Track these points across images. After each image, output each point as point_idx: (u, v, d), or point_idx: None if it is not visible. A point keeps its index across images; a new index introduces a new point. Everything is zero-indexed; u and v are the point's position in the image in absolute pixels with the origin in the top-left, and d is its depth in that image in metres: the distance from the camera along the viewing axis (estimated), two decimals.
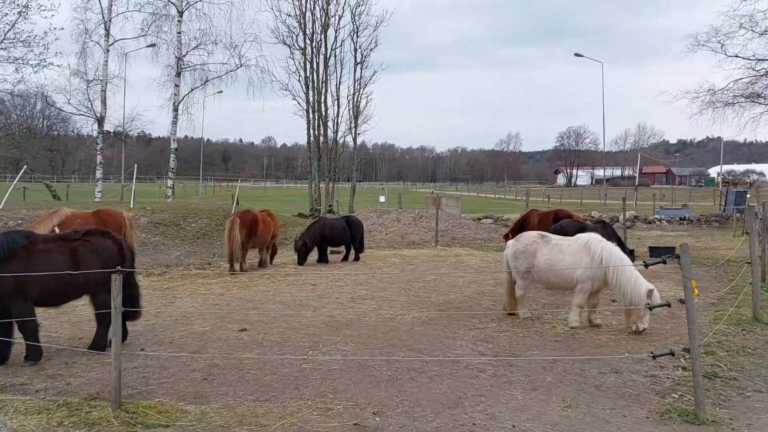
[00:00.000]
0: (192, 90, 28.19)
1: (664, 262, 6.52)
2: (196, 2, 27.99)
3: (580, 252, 8.78)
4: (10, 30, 27.68)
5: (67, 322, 8.57)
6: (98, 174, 27.82)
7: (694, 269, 14.12)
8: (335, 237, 15.06)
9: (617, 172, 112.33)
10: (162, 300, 10.21)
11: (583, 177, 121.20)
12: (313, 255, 15.15)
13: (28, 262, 6.26)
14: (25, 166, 21.66)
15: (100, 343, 6.91)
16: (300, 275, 13.26)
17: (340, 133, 31.83)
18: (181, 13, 27.54)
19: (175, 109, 27.71)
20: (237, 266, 13.22)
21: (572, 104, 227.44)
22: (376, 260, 16.28)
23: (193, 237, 18.03)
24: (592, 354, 7.35)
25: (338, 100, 31.73)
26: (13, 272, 6.10)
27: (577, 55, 60.53)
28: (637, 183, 66.36)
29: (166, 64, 28.87)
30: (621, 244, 12.99)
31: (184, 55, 27.64)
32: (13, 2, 27.16)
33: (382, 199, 38.97)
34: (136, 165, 21.92)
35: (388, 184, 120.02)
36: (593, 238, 8.87)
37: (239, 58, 27.99)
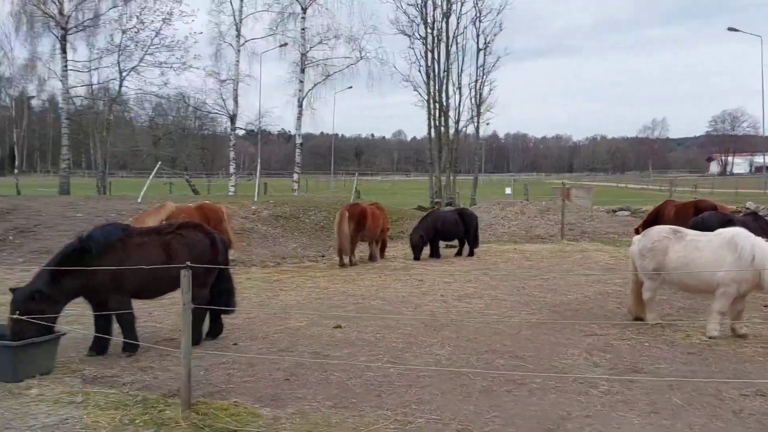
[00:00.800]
0: (315, 85, 28.89)
1: None
2: None
3: (722, 249, 7.49)
4: (155, 36, 30.05)
5: (175, 312, 8.81)
6: (231, 169, 29.36)
7: None
8: (447, 231, 14.47)
9: None
10: (268, 293, 10.26)
11: (740, 165, 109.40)
12: (426, 250, 14.69)
13: (123, 256, 6.37)
14: (159, 162, 23.31)
15: (195, 336, 6.91)
16: (408, 270, 12.85)
17: (461, 123, 31.04)
18: (304, 10, 28.25)
19: (300, 105, 28.54)
20: (346, 259, 13.09)
21: (726, 86, 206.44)
22: (493, 255, 15.47)
23: (312, 229, 18.28)
24: (732, 371, 6.19)
25: (460, 89, 30.99)
26: (109, 265, 6.22)
27: (731, 29, 54.47)
28: None
29: (291, 60, 29.85)
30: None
31: (308, 51, 28.36)
32: (158, 10, 29.44)
33: (508, 190, 37.63)
34: (259, 160, 22.74)
35: (521, 176, 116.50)
36: (739, 233, 7.54)
37: (359, 51, 28.15)
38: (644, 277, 8.21)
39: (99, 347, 6.49)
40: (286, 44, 30.23)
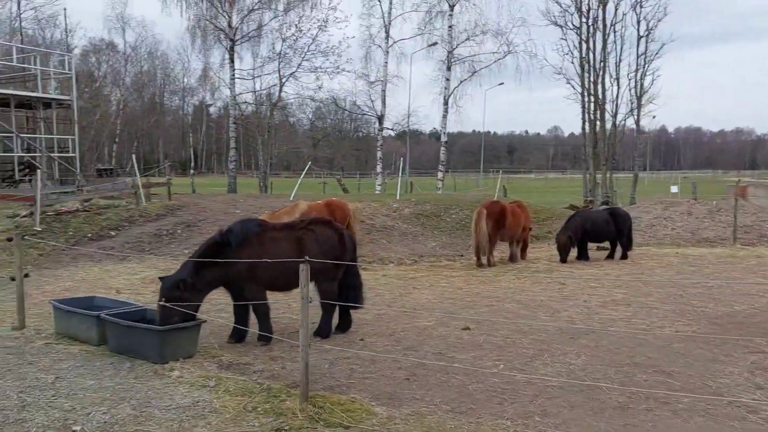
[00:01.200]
0: (461, 83, 28.62)
1: None
2: None
3: None
4: (312, 43, 31.72)
5: (315, 305, 9.14)
6: (378, 168, 30.12)
7: None
8: (597, 231, 13.51)
9: None
10: (401, 290, 10.28)
11: None
12: (573, 252, 13.85)
13: (259, 249, 6.70)
14: (309, 162, 24.48)
15: (324, 330, 7.12)
16: (551, 272, 12.21)
17: (619, 117, 28.97)
18: (452, 7, 28.12)
19: (445, 103, 28.48)
20: (484, 260, 12.75)
21: None
22: (650, 259, 14.21)
23: (452, 228, 18.12)
24: None
25: (618, 80, 28.92)
26: (247, 258, 6.58)
27: None
28: None
29: (437, 59, 29.88)
30: None
31: (455, 48, 28.19)
32: (314, 18, 31.05)
33: (674, 189, 34.40)
34: (402, 160, 23.02)
35: (693, 173, 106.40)
36: None
37: (507, 45, 27.41)
38: None
39: (237, 335, 6.89)
40: (435, 44, 30.36)
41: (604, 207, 27.59)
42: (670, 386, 5.64)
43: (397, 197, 20.94)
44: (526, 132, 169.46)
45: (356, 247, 7.56)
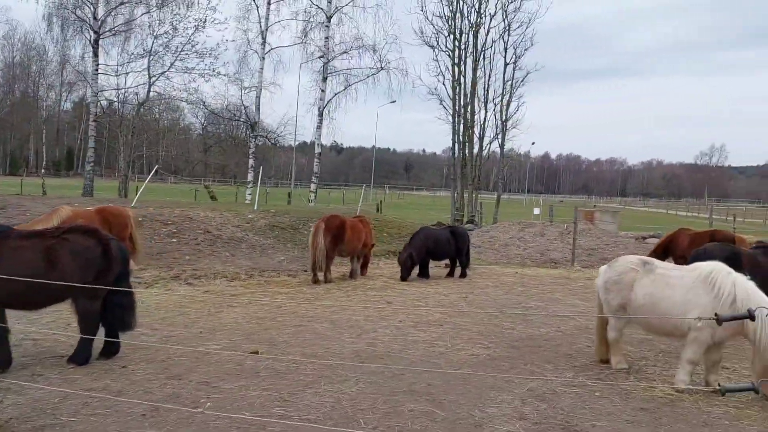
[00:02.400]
0: (335, 95, 28.36)
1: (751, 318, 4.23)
2: (344, 6, 28.19)
3: (697, 287, 6.39)
4: (187, 42, 30.19)
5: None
6: (249, 177, 29.08)
7: None
8: (439, 249, 13.50)
9: None
10: (213, 308, 9.54)
11: None
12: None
13: None
14: (157, 167, 23.11)
15: (80, 356, 6.27)
16: (385, 290, 11.97)
17: (486, 140, 29.93)
18: (329, 18, 27.84)
19: (320, 114, 28.06)
20: (321, 276, 12.30)
21: None
22: (488, 278, 14.43)
23: (307, 242, 17.59)
24: None
25: (485, 104, 29.91)
26: None
27: None
28: None
29: (313, 69, 29.46)
30: None
31: (329, 61, 27.88)
32: (191, 17, 29.59)
33: (536, 211, 36.07)
34: (261, 167, 22.24)
35: (570, 197, 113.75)
36: (719, 268, 6.42)
37: (380, 61, 27.51)
38: (609, 313, 7.15)
39: None
40: (322, 56, 29.89)
41: (473, 226, 28.45)
42: (434, 417, 5.39)
43: (255, 207, 20.11)
44: (424, 150, 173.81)
45: (128, 260, 6.77)
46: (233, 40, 30.27)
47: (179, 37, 29.99)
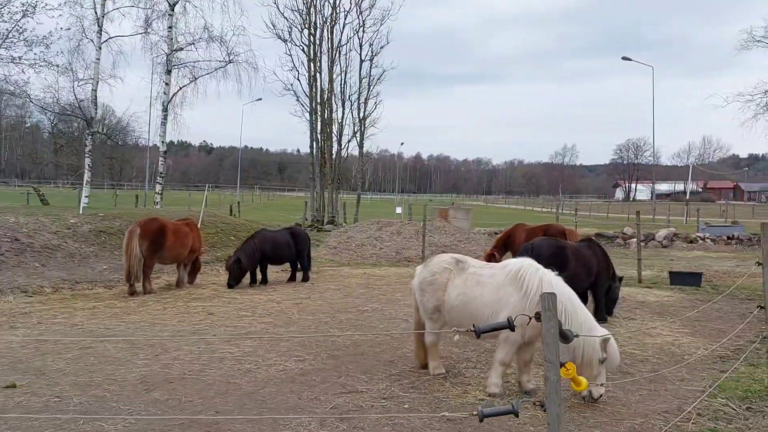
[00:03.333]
0: (180, 89, 26.41)
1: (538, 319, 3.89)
2: None
3: (506, 286, 6.11)
4: (13, 28, 26.67)
5: None
6: (86, 177, 26.33)
7: (722, 303, 11.06)
8: (277, 253, 12.63)
9: (680, 187, 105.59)
10: None
11: (642, 191, 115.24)
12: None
13: None
14: None
15: None
16: (210, 300, 10.92)
17: (345, 138, 29.51)
18: (172, 6, 25.90)
19: (165, 110, 26.02)
20: (138, 286, 11.00)
21: (634, 117, 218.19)
22: (333, 280, 13.82)
23: None
24: None
25: (343, 102, 29.48)
26: None
27: (625, 59, 56.99)
28: (687, 197, 61.52)
29: (155, 62, 27.31)
30: (608, 269, 10.18)
31: (173, 52, 25.94)
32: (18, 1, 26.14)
33: (398, 209, 36.44)
34: (87, 167, 20.11)
35: (441, 196, 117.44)
36: (526, 266, 6.18)
37: (228, 53, 26.05)
38: (425, 316, 6.72)
39: None
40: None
41: (333, 227, 27.87)
42: None
43: (80, 211, 18.02)
44: (298, 150, 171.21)
45: None
46: (68, 28, 27.10)
47: (4, 22, 26.47)
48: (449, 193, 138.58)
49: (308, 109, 28.90)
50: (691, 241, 27.59)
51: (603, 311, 10.02)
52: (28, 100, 25.29)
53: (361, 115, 29.58)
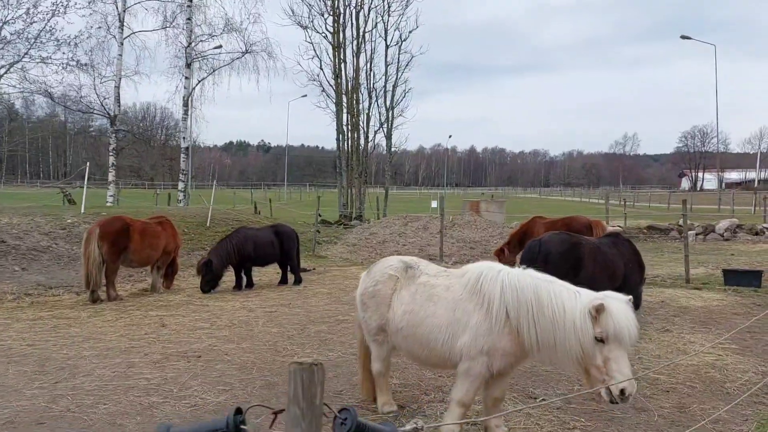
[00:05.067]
0: (200, 82, 25.61)
1: None
2: None
3: (464, 301, 4.55)
4: (43, 29, 26.52)
5: None
6: (110, 177, 25.95)
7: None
8: (259, 253, 11.34)
9: (751, 175, 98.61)
10: None
11: (710, 181, 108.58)
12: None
13: None
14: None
15: None
16: (177, 308, 9.70)
17: (372, 129, 28.04)
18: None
19: (185, 104, 25.27)
20: (101, 293, 9.92)
21: (699, 104, 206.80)
22: (331, 282, 12.47)
23: None
24: None
25: (369, 91, 28.00)
26: None
27: (684, 37, 53.39)
28: (756, 185, 57.10)
29: (175, 55, 26.58)
30: (639, 271, 8.40)
31: (191, 44, 25.12)
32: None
33: (434, 204, 34.75)
34: (87, 164, 19.43)
35: (496, 189, 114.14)
36: (486, 271, 4.57)
37: (245, 43, 25.01)
38: (368, 338, 5.23)
39: None
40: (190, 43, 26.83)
41: (359, 223, 26.48)
42: None
43: (82, 210, 17.30)
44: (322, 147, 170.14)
45: None
46: (99, 27, 26.71)
47: (37, 22, 26.30)
48: (504, 186, 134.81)
49: (334, 100, 27.61)
50: (756, 233, 24.83)
51: None
52: (49, 98, 24.84)
53: (389, 104, 28.07)
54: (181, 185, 25.80)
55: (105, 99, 26.04)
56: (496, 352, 4.32)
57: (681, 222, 27.40)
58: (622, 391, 3.83)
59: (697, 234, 24.75)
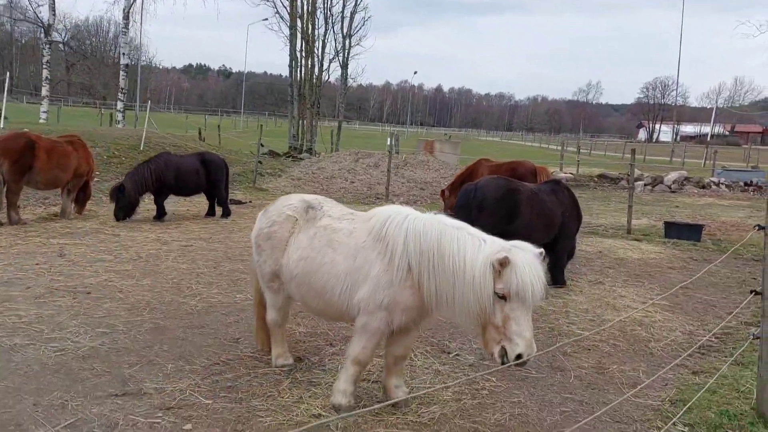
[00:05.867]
0: None
1: None
2: None
3: (366, 249, 3.96)
4: None
5: None
6: (43, 92, 24.14)
7: (720, 265, 8.86)
8: (181, 183, 10.48)
9: (706, 129, 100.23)
10: None
11: (666, 133, 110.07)
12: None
13: None
14: None
15: None
16: (80, 236, 8.88)
17: (327, 57, 26.74)
18: None
19: (126, 17, 23.38)
20: (2, 215, 9.02)
21: (663, 57, 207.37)
22: None
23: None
24: None
25: (326, 17, 26.51)
26: None
27: None
28: (708, 139, 58.18)
29: None
30: (577, 220, 8.02)
31: None
32: None
33: (389, 141, 34.03)
34: (8, 74, 17.81)
35: (459, 130, 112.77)
36: (393, 215, 3.98)
37: None
38: (262, 284, 4.64)
39: None
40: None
41: (309, 156, 25.54)
42: None
43: (1, 125, 15.93)
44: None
45: None
46: None
47: None
48: (469, 128, 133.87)
49: (288, 24, 26.03)
50: (703, 186, 25.07)
51: (563, 275, 7.90)
52: None
53: (347, 31, 26.66)
54: (120, 105, 24.19)
55: (38, 6, 23.91)
56: (396, 306, 3.80)
57: (558, 173, 27.73)
58: (518, 356, 3.36)
59: (645, 185, 24.83)
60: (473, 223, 8.20)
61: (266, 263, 4.44)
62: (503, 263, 3.36)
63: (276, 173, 19.69)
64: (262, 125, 21.45)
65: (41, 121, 23.86)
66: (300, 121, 26.20)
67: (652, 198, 21.91)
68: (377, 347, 4.03)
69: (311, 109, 26.05)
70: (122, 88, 24.16)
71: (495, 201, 7.28)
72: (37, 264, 7.12)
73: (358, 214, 4.33)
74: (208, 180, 10.76)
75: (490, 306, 3.41)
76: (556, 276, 7.84)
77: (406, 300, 3.78)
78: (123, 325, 5.33)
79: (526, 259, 3.44)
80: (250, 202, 14.00)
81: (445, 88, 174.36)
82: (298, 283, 4.22)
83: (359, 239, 4.03)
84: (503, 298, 3.39)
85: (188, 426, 3.70)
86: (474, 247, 3.62)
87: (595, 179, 26.74)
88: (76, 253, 7.77)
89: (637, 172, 27.71)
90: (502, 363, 3.41)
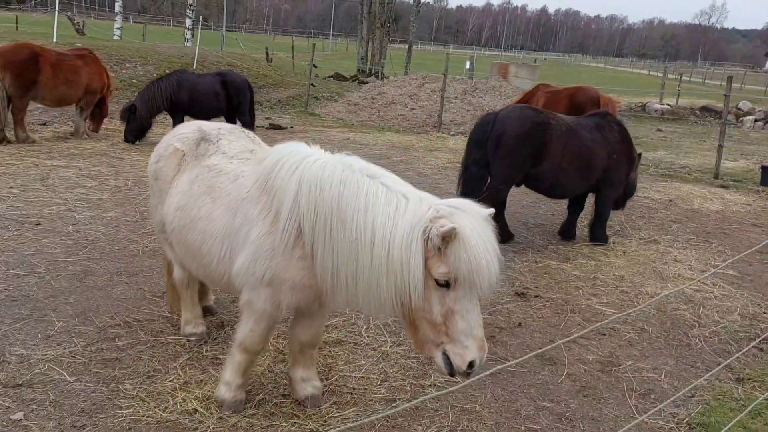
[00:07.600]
0: None
1: None
2: None
3: (251, 200, 2.90)
4: None
5: None
6: (117, 8, 24.01)
7: None
8: (196, 105, 9.60)
9: None
10: None
11: None
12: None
13: None
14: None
15: None
16: (78, 159, 8.31)
17: None
18: None
19: None
20: (7, 132, 8.63)
21: None
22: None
23: None
24: None
25: None
26: None
27: None
28: None
29: None
30: (628, 163, 6.50)
31: None
32: None
33: (467, 64, 31.77)
34: None
35: (562, 56, 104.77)
36: (289, 155, 2.84)
37: None
38: (157, 234, 3.73)
39: None
40: None
41: (374, 79, 24.15)
42: None
43: (54, 39, 15.75)
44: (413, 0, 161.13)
45: None
46: None
47: None
48: (573, 53, 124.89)
49: None
50: None
51: (605, 230, 6.48)
52: None
53: None
54: (188, 22, 23.64)
55: None
56: (282, 283, 2.75)
57: (742, 104, 24.25)
58: (470, 364, 2.29)
59: (756, 120, 21.65)
60: (488, 164, 6.60)
61: (156, 208, 3.51)
62: (448, 237, 2.22)
63: (332, 98, 18.61)
64: (315, 44, 20.14)
65: (115, 37, 23.77)
66: (369, 42, 24.69)
67: (761, 136, 19.04)
68: (271, 331, 3.04)
69: (381, 29, 24.40)
70: (190, 5, 23.54)
71: (515, 138, 5.86)
72: (10, 188, 6.60)
73: (261, 152, 3.24)
74: (229, 103, 9.88)
75: (420, 297, 2.31)
76: (595, 233, 6.45)
77: (294, 276, 2.73)
78: (46, 267, 4.65)
79: (477, 228, 2.28)
80: (292, 127, 13.11)
81: (551, 10, 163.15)
82: (176, 239, 3.26)
83: (243, 188, 2.97)
84: (446, 285, 2.28)
85: (18, 415, 2.93)
86: (388, 206, 2.47)
87: (697, 112, 23.70)
88: (61, 177, 7.22)
89: (748, 105, 24.35)
90: (450, 374, 2.36)
